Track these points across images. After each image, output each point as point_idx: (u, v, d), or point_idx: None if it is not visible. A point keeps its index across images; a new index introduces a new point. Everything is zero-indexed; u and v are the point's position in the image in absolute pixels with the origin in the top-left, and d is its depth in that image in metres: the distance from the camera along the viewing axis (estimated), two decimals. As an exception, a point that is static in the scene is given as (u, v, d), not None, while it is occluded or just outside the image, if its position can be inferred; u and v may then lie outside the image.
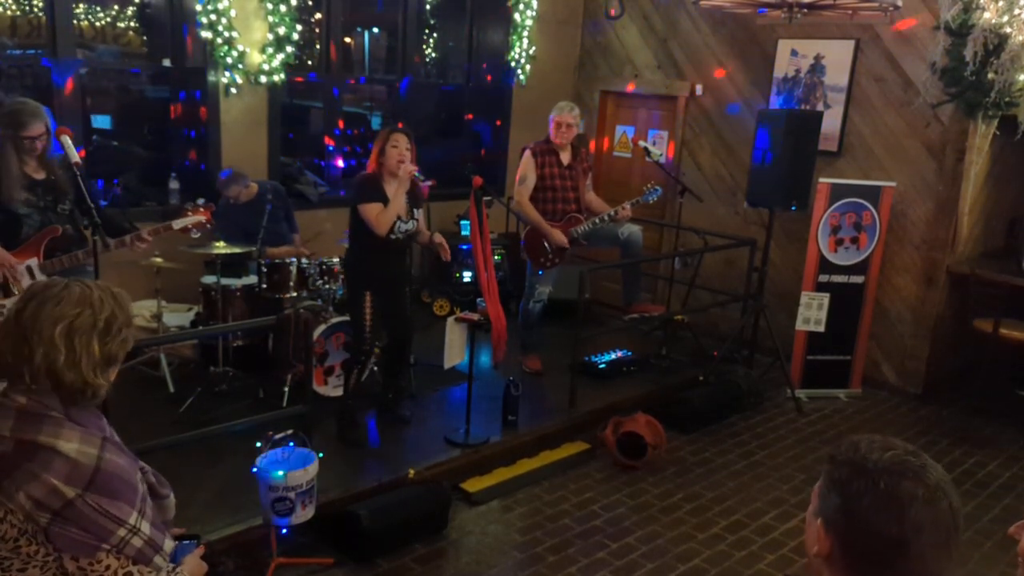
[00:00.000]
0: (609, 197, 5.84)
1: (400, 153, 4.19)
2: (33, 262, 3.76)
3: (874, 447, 1.31)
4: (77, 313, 1.65)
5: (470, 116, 7.58)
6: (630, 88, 7.24)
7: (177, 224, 4.05)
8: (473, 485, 4.23)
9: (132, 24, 5.78)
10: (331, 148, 6.65)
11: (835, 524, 1.29)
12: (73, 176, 3.75)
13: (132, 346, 1.80)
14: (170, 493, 1.93)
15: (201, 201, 4.27)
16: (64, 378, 1.64)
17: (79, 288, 1.69)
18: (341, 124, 6.74)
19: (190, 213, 4.12)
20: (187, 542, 1.94)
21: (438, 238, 4.39)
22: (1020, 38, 4.97)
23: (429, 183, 4.92)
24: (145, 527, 1.70)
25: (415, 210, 4.34)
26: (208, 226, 4.21)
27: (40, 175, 3.77)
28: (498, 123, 7.48)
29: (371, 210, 4.14)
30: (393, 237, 4.22)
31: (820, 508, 1.34)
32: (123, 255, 4.05)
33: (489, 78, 7.38)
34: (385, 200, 4.17)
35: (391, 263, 4.33)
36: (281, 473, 3.21)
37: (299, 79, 6.34)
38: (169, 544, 1.79)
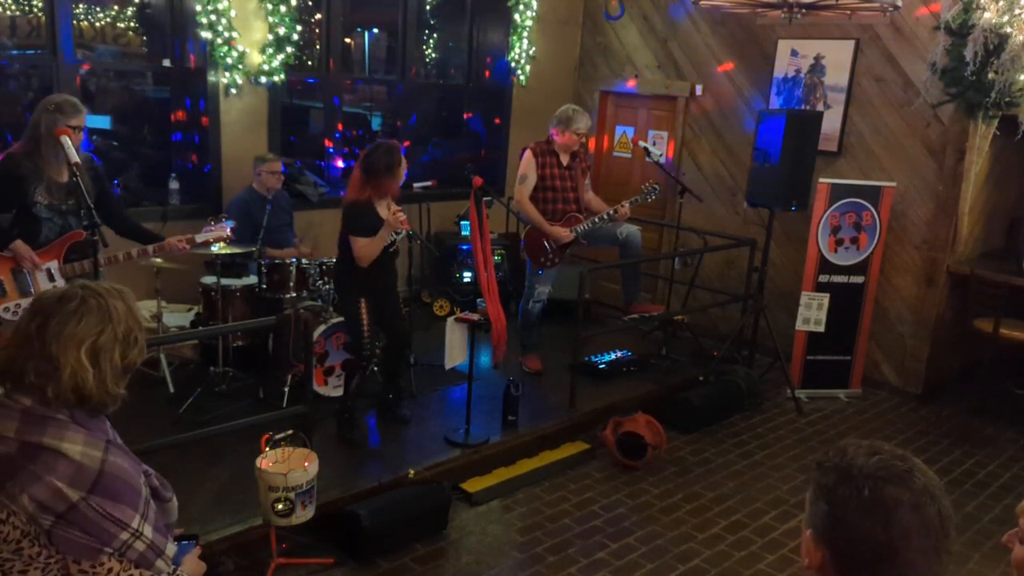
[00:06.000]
0: (609, 197, 5.84)
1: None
2: (53, 264, 3.79)
3: (860, 452, 1.28)
4: (100, 330, 1.66)
5: (470, 116, 7.57)
6: (631, 84, 7.23)
7: (200, 238, 4.16)
8: (473, 485, 4.23)
9: (132, 24, 5.78)
10: (332, 150, 6.65)
11: (824, 533, 1.27)
12: (96, 177, 3.91)
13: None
14: (172, 496, 1.93)
15: (224, 221, 4.33)
16: (90, 394, 1.65)
17: (95, 300, 1.68)
18: (341, 125, 6.73)
19: (212, 227, 4.21)
20: (185, 542, 1.94)
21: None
22: (1020, 38, 4.96)
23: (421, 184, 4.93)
24: (148, 531, 1.70)
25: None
26: (226, 242, 4.35)
27: (63, 178, 3.80)
28: (498, 123, 7.47)
29: (357, 243, 4.12)
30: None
31: (810, 517, 1.32)
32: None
33: (487, 74, 7.37)
34: (375, 228, 4.11)
35: (383, 272, 4.31)
36: (281, 473, 3.21)
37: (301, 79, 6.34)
38: (171, 548, 1.79)
